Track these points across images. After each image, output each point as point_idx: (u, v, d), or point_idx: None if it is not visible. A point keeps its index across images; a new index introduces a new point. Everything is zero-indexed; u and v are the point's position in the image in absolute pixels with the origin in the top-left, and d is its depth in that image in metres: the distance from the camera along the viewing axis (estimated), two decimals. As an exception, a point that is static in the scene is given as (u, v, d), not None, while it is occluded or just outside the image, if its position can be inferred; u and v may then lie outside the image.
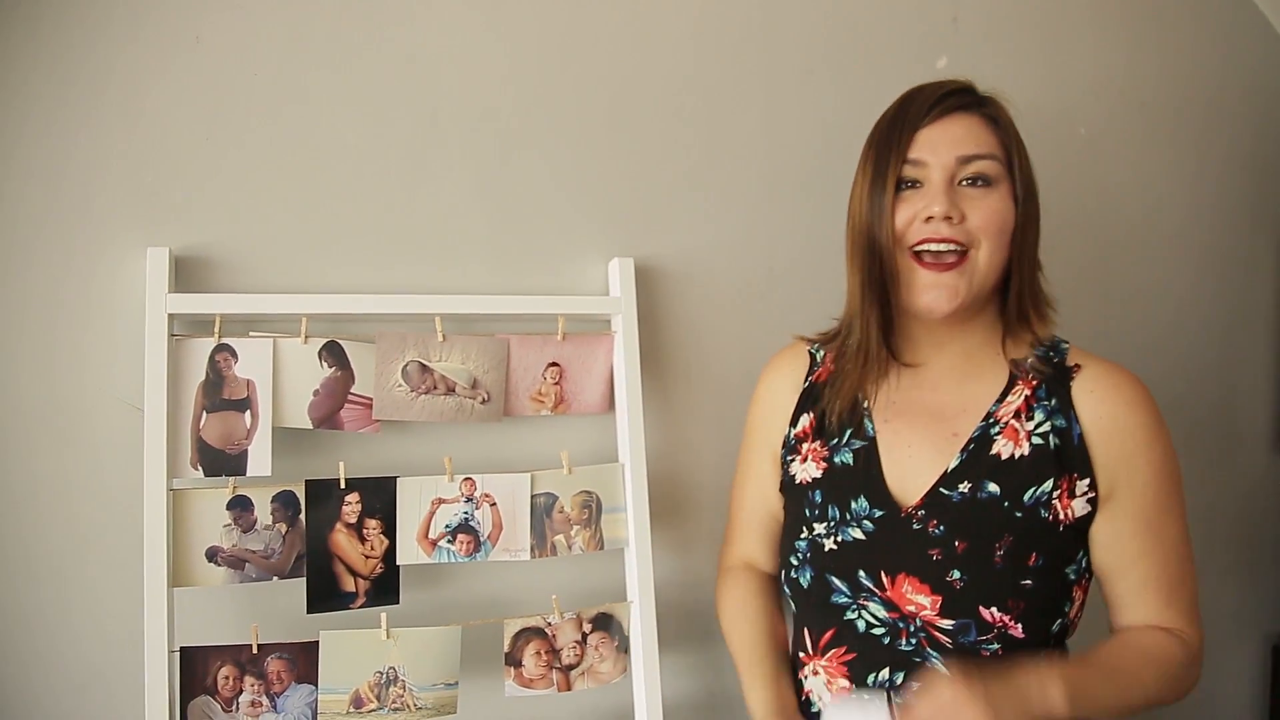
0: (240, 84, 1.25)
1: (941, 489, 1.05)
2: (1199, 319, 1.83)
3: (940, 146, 1.04)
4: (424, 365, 1.29)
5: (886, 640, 1.04)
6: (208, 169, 1.24)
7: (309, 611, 1.23)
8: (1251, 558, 1.91)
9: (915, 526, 1.04)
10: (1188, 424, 1.81)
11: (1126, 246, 1.76)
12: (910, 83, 1.11)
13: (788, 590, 1.14)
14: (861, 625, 1.06)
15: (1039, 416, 1.06)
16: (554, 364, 1.36)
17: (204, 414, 1.21)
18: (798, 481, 1.14)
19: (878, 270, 1.07)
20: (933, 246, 1.03)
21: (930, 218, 1.02)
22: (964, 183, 1.04)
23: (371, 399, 1.27)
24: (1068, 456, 1.04)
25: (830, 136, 1.54)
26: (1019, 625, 1.00)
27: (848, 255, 1.11)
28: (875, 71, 1.56)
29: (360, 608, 1.26)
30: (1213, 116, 1.80)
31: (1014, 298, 1.09)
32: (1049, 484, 1.03)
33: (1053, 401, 1.06)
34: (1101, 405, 1.05)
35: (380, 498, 1.26)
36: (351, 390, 1.27)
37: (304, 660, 1.21)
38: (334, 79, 1.29)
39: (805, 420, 1.17)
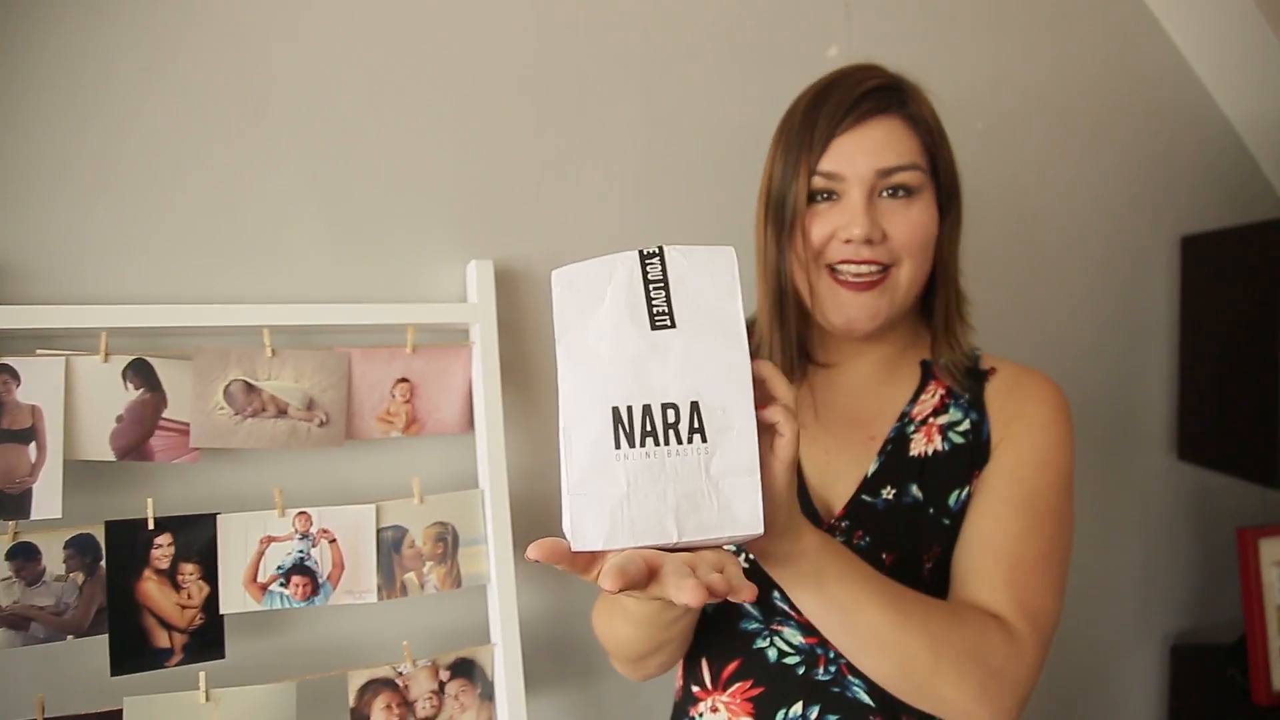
0: (29, 62, 1.07)
1: (864, 496, 0.97)
2: (1095, 320, 1.78)
3: (858, 158, 0.94)
4: (250, 384, 1.13)
5: (801, 670, 0.95)
6: (-18, 160, 1.06)
7: (114, 674, 1.06)
8: (1150, 561, 1.87)
9: (839, 539, 0.95)
10: (1086, 427, 1.75)
11: (1021, 243, 1.69)
12: (800, 71, 1.02)
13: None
14: (773, 654, 0.96)
15: (955, 414, 1.00)
16: (404, 380, 1.21)
17: (-23, 447, 1.03)
18: None
19: (790, 295, 1.00)
20: (853, 268, 0.95)
21: (849, 240, 0.94)
22: (885, 193, 0.95)
23: (188, 424, 1.11)
24: (976, 453, 0.98)
25: (714, 126, 1.43)
26: None
27: (757, 260, 1.02)
28: (763, 59, 1.46)
29: (178, 665, 1.09)
30: (1107, 114, 1.75)
31: (941, 307, 1.03)
32: (967, 487, 0.97)
33: (966, 397, 1.01)
34: (1009, 400, 1.00)
35: (197, 538, 1.10)
36: (163, 415, 1.11)
37: (104, 732, 1.04)
38: (143, 58, 1.12)
39: None
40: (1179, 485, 1.87)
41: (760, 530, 0.64)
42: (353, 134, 1.22)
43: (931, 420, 1.00)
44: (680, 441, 0.63)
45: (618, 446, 0.63)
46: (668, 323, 0.65)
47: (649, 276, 0.66)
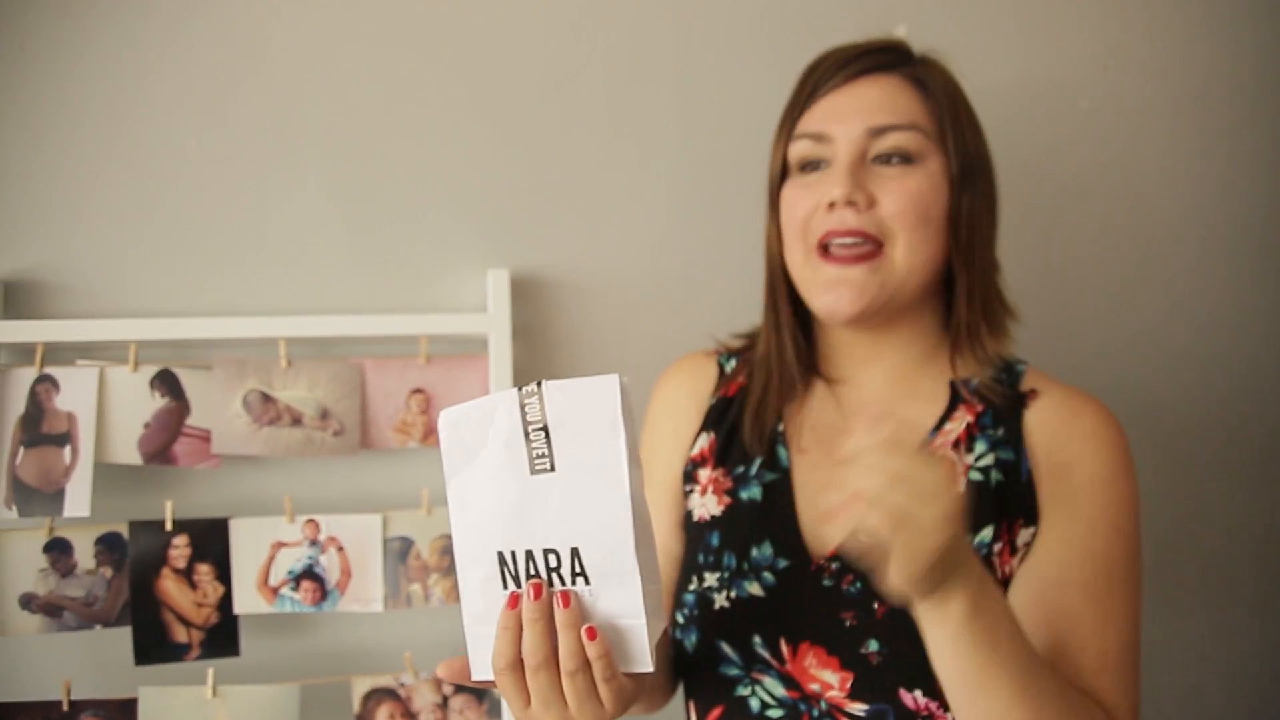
0: (67, 90, 1.16)
1: (860, 535, 0.86)
2: (1246, 330, 1.52)
3: (846, 116, 0.85)
4: (266, 395, 1.17)
5: None
6: (32, 185, 1.15)
7: (137, 663, 1.13)
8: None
9: (826, 582, 0.86)
10: (1237, 459, 1.50)
11: (1143, 243, 1.46)
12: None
13: (672, 653, 0.96)
14: (755, 705, 0.88)
15: (981, 448, 0.87)
16: (419, 390, 1.21)
17: (21, 449, 1.12)
18: (695, 519, 0.96)
19: (783, 289, 0.92)
20: (838, 240, 0.85)
21: (832, 204, 0.84)
22: (877, 160, 0.85)
23: (209, 431, 1.16)
24: (1012, 497, 0.85)
25: (761, 121, 1.32)
26: (949, 714, 0.79)
27: (766, 259, 0.97)
28: (817, 42, 1.33)
29: (196, 659, 1.15)
30: (1257, 88, 1.49)
31: (961, 304, 0.91)
32: (989, 532, 0.84)
33: (1000, 431, 0.88)
34: (1056, 437, 0.86)
35: (212, 540, 1.15)
36: (187, 422, 1.16)
37: (122, 718, 1.11)
38: (171, 79, 1.18)
39: (704, 441, 0.98)
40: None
41: (650, 668, 0.67)
42: (372, 143, 1.23)
43: (952, 455, 0.88)
44: (564, 583, 0.66)
45: (505, 587, 0.67)
46: (547, 466, 0.66)
47: (528, 418, 0.66)
